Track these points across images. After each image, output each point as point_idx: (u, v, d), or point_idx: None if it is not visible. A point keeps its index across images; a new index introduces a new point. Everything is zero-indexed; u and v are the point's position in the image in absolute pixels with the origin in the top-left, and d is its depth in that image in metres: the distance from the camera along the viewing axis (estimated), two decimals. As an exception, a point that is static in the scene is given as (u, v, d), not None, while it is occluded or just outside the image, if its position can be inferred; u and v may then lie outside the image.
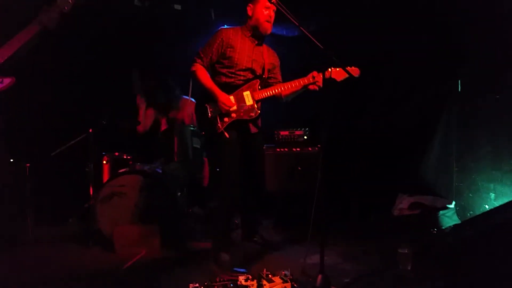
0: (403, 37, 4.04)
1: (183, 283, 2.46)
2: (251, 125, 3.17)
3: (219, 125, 2.99)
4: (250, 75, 3.14)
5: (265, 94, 3.09)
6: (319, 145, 4.28)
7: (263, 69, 3.20)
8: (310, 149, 4.32)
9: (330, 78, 2.94)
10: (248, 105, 3.07)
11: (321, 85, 2.92)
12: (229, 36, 3.08)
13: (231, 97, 3.05)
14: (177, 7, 5.13)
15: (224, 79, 3.10)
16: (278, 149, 4.38)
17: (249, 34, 3.15)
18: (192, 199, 4.22)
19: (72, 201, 4.16)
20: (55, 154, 3.81)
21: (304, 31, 2.58)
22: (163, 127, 4.36)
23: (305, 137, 4.42)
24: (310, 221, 2.67)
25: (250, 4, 3.13)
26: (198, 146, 4.26)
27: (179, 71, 4.35)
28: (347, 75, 2.89)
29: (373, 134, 4.29)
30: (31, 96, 4.19)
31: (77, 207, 4.11)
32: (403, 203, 3.64)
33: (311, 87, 3.03)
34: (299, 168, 4.20)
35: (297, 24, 2.62)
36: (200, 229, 3.98)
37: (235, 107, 3.04)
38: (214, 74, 3.15)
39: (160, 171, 3.98)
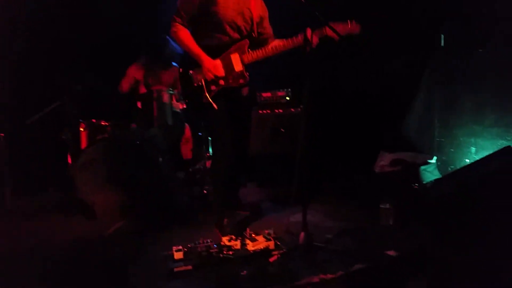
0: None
1: (167, 246, 2.45)
2: (239, 90, 2.90)
3: (205, 94, 2.75)
4: (237, 35, 2.81)
5: (255, 56, 2.77)
6: (301, 106, 4.23)
7: (251, 25, 2.85)
8: (293, 110, 4.26)
9: (327, 36, 2.67)
10: (237, 71, 2.78)
11: (313, 47, 2.61)
12: None
13: (218, 62, 2.77)
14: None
15: (207, 41, 2.77)
16: (260, 111, 4.32)
17: None
18: (174, 164, 4.16)
19: (51, 170, 4.08)
20: (31, 122, 3.69)
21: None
22: (142, 90, 4.24)
23: (288, 98, 4.35)
24: (293, 182, 2.65)
25: None
26: (178, 110, 4.17)
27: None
28: (347, 32, 2.64)
29: (355, 92, 4.25)
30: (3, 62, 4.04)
31: (55, 176, 4.03)
32: (384, 160, 3.65)
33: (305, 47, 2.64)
34: (282, 130, 4.16)
35: None
36: (184, 193, 3.95)
37: (223, 74, 2.76)
38: (195, 35, 2.80)
39: (140, 137, 3.90)
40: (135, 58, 4.32)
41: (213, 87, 2.78)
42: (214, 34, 2.76)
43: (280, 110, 4.32)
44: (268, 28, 2.96)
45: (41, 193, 4.07)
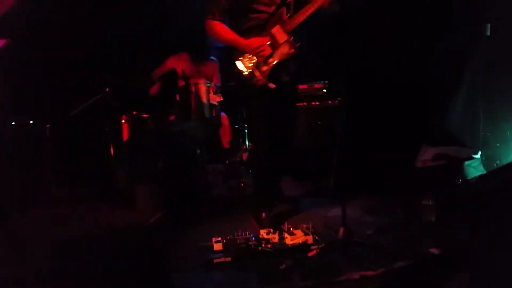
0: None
1: (206, 238, 2.49)
2: (284, 71, 2.75)
3: (259, 77, 2.63)
4: (272, 8, 2.68)
5: (296, 21, 2.60)
6: (339, 98, 4.18)
7: None
8: (330, 102, 4.21)
9: None
10: (283, 42, 2.63)
11: None
12: None
13: (260, 39, 2.64)
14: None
15: (244, 24, 2.69)
16: (296, 103, 4.28)
17: None
18: (211, 157, 4.21)
19: (93, 161, 4.21)
20: (74, 114, 3.82)
21: None
22: (180, 83, 4.30)
23: (325, 90, 4.30)
24: (332, 176, 2.62)
25: None
26: (215, 103, 4.21)
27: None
28: None
29: (396, 84, 4.12)
30: (47, 56, 4.18)
31: (97, 167, 4.16)
32: (427, 155, 3.54)
33: None
34: (319, 123, 4.12)
35: None
36: (221, 185, 4.00)
37: (269, 50, 2.64)
38: (232, 23, 2.74)
39: (178, 129, 3.96)
40: (175, 52, 4.39)
41: (264, 68, 2.66)
42: (250, 15, 2.69)
43: (317, 103, 4.27)
44: None
45: (83, 183, 4.21)
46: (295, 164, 4.10)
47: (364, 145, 3.98)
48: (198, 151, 3.89)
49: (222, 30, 2.71)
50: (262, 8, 2.69)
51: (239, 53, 2.71)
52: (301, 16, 2.62)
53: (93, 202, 3.73)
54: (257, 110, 2.79)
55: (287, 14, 2.65)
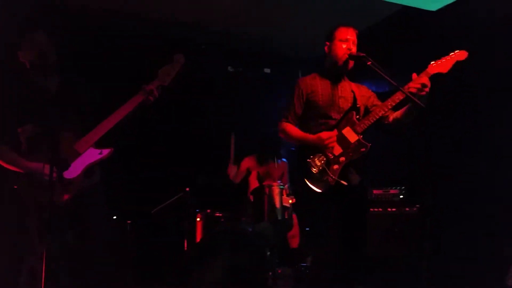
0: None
1: None
2: (353, 174, 2.73)
3: (331, 175, 2.62)
4: (340, 115, 2.78)
5: (367, 122, 2.68)
6: (417, 205, 4.02)
7: (354, 102, 2.82)
8: (407, 209, 4.05)
9: (435, 74, 2.55)
10: (354, 142, 2.67)
11: (427, 85, 2.52)
12: (306, 82, 2.85)
13: (331, 133, 2.69)
14: (267, 70, 5.44)
15: (314, 129, 2.76)
16: (371, 209, 4.18)
17: (328, 73, 2.86)
18: (281, 259, 4.13)
19: (168, 259, 4.28)
20: (155, 211, 4.00)
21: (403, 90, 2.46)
22: (254, 185, 4.42)
23: (401, 196, 4.18)
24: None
25: (326, 42, 2.86)
26: (288, 205, 4.22)
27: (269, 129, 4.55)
28: (453, 63, 2.55)
29: (482, 191, 3.86)
30: (133, 157, 4.54)
31: (173, 264, 4.21)
32: (520, 273, 3.19)
33: (420, 93, 2.53)
34: (397, 230, 3.94)
35: (395, 84, 2.46)
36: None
37: (340, 150, 2.67)
38: (303, 128, 2.84)
39: (251, 230, 3.97)
40: (249, 153, 4.61)
41: (335, 167, 2.66)
42: (319, 120, 2.80)
43: (393, 209, 4.13)
44: (378, 101, 2.88)
45: (160, 280, 4.25)
46: (371, 275, 3.89)
47: (446, 256, 3.70)
48: (268, 253, 3.83)
49: (292, 130, 2.82)
50: (332, 114, 2.79)
51: (309, 153, 2.71)
52: (372, 118, 2.69)
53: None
54: (321, 215, 2.74)
55: (356, 116, 2.73)
